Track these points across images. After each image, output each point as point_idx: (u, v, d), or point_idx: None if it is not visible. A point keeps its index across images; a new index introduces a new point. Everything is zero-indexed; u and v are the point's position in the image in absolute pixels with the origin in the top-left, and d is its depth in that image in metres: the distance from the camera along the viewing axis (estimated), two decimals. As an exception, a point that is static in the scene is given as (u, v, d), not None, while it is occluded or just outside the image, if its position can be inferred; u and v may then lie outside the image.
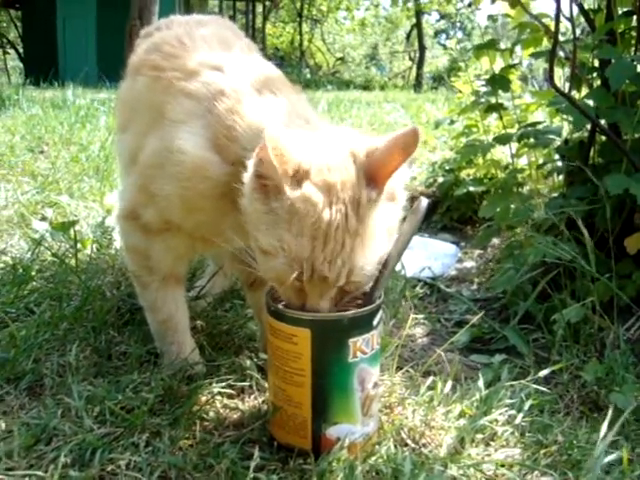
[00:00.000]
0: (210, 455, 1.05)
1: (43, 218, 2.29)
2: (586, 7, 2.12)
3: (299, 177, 0.96)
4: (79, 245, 1.86)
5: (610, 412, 1.14)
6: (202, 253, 1.61)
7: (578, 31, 2.10)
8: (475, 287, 2.24)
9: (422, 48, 23.30)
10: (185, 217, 1.20)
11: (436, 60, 28.46)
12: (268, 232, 0.98)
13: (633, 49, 2.00)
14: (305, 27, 28.89)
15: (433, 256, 2.38)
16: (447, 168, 3.22)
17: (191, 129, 1.15)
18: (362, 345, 1.04)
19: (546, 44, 2.32)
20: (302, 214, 0.96)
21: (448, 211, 3.04)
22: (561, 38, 2.10)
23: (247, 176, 1.02)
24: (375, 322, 1.07)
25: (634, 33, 2.00)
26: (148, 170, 1.22)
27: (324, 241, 0.97)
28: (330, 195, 0.97)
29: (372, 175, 1.01)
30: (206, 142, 1.13)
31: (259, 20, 24.55)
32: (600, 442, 1.07)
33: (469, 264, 2.51)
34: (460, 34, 32.79)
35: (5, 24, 21.56)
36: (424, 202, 1.08)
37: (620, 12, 1.98)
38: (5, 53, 20.40)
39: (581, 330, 1.67)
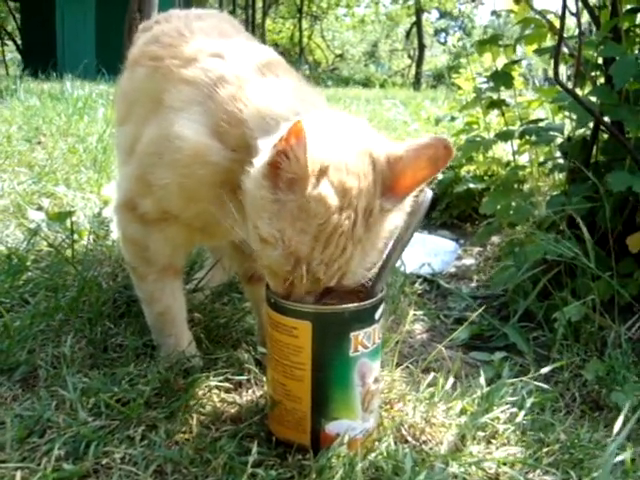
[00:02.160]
0: (207, 450, 1.03)
1: (39, 208, 2.26)
2: (591, 3, 2.10)
3: (319, 174, 0.93)
4: (76, 236, 1.84)
5: (622, 414, 1.12)
6: (201, 245, 1.58)
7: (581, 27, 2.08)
8: (474, 285, 2.23)
9: (421, 46, 23.35)
10: (184, 207, 1.18)
11: (435, 59, 28.45)
12: (270, 221, 0.95)
13: (638, 47, 1.99)
14: (305, 23, 28.89)
15: (432, 252, 2.36)
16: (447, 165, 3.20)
17: (190, 116, 1.12)
18: (363, 339, 1.02)
19: (550, 40, 2.30)
20: (312, 213, 0.93)
21: (447, 208, 3.03)
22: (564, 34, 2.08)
23: (259, 160, 0.98)
24: (377, 316, 1.04)
25: (639, 31, 1.99)
26: (146, 159, 1.19)
27: (325, 244, 0.94)
28: (344, 200, 0.94)
29: (392, 186, 0.98)
30: (205, 128, 1.10)
31: (259, 16, 24.51)
32: (612, 441, 1.05)
33: (468, 261, 2.49)
34: (460, 33, 32.77)
35: (4, 15, 21.45)
36: (429, 194, 1.05)
37: (625, 9, 1.97)
38: (3, 45, 20.29)
39: (582, 329, 1.66)
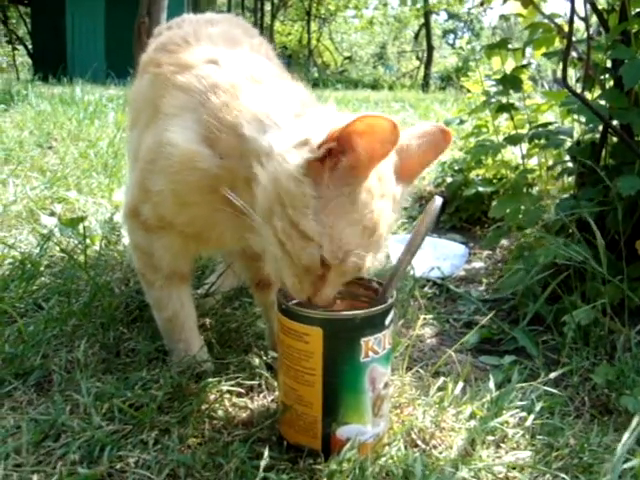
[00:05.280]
0: (219, 454, 1.04)
1: (52, 213, 2.29)
2: (599, 7, 2.10)
3: None
4: (88, 241, 1.86)
5: (635, 418, 1.12)
6: (198, 253, 1.53)
7: (590, 31, 2.08)
8: (483, 288, 2.23)
9: (430, 48, 23.30)
10: (176, 213, 1.19)
11: (444, 60, 28.40)
12: (316, 217, 0.95)
13: (647, 49, 1.99)
14: (313, 26, 28.90)
15: (442, 256, 2.36)
16: (456, 168, 3.21)
17: (183, 122, 1.14)
18: (374, 345, 1.03)
19: (558, 44, 2.30)
20: (362, 204, 0.96)
21: (457, 211, 3.02)
22: (573, 38, 2.08)
23: (293, 155, 0.97)
24: (387, 321, 1.05)
25: (648, 33, 1.99)
26: (144, 165, 1.21)
27: (371, 233, 0.98)
28: (383, 187, 0.99)
29: (402, 173, 1.03)
30: (196, 135, 1.12)
31: (268, 18, 24.56)
32: (621, 447, 1.05)
33: (478, 265, 2.49)
34: (468, 34, 32.74)
35: (14, 20, 21.60)
36: (438, 201, 1.07)
37: (634, 12, 1.97)
38: (14, 49, 20.39)
39: (591, 332, 1.66)
